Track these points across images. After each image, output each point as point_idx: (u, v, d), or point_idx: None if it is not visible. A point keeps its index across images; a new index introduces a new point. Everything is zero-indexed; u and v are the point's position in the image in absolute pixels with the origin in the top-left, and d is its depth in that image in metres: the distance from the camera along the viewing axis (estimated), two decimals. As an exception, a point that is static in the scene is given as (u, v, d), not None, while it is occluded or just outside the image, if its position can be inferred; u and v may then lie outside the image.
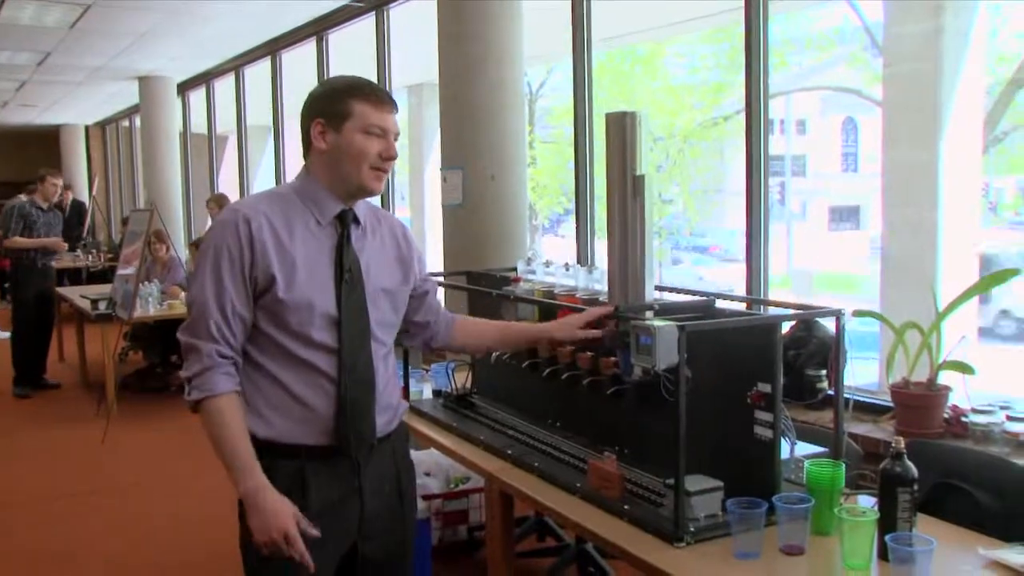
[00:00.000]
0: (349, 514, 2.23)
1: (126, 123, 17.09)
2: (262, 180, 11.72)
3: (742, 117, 4.64)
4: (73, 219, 13.88)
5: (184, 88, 12.83)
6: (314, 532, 2.08)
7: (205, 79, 12.16)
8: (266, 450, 2.12)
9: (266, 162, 11.50)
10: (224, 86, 11.81)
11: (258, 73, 10.55)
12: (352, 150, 2.16)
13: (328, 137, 2.18)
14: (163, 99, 12.30)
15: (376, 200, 2.51)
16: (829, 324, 3.45)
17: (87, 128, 19.14)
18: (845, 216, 22.17)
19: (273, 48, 9.81)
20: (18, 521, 5.10)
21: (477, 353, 3.56)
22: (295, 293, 2.12)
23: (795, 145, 20.23)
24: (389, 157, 2.20)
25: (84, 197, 16.72)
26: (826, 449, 2.58)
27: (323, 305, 2.15)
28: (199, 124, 13.03)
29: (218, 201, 9.26)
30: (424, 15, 5.76)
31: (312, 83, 7.93)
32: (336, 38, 8.65)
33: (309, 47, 8.98)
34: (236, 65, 10.97)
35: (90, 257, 12.94)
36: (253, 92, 11.01)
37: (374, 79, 7.67)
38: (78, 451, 6.54)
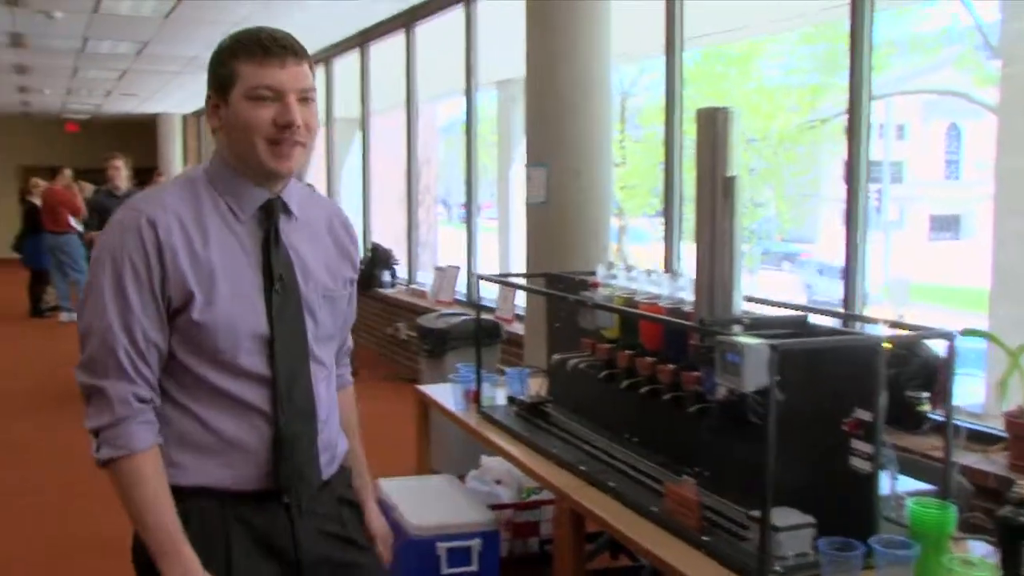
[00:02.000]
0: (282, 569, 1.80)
1: (220, 113, 17.35)
2: (349, 172, 11.73)
3: (839, 121, 4.39)
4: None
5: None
6: None
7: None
8: (177, 495, 1.70)
9: (353, 154, 11.51)
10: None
11: (347, 65, 10.55)
12: (239, 122, 1.70)
13: (221, 111, 1.74)
14: (255, 90, 12.40)
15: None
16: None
17: (184, 118, 19.54)
18: (946, 225, 21.46)
19: (362, 40, 9.79)
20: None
21: None
22: (216, 312, 1.69)
23: (894, 151, 19.62)
24: (287, 123, 1.69)
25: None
26: (933, 486, 2.34)
27: (250, 324, 1.72)
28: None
29: (304, 192, 9.27)
30: (514, 9, 5.62)
31: (400, 77, 7.85)
32: (424, 30, 8.58)
33: (398, 39, 8.93)
34: (326, 57, 11.01)
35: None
36: (342, 85, 11.03)
37: (462, 73, 7.66)
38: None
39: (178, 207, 1.71)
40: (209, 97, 1.76)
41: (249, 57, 1.69)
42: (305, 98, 1.72)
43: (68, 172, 11.99)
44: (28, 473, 5.57)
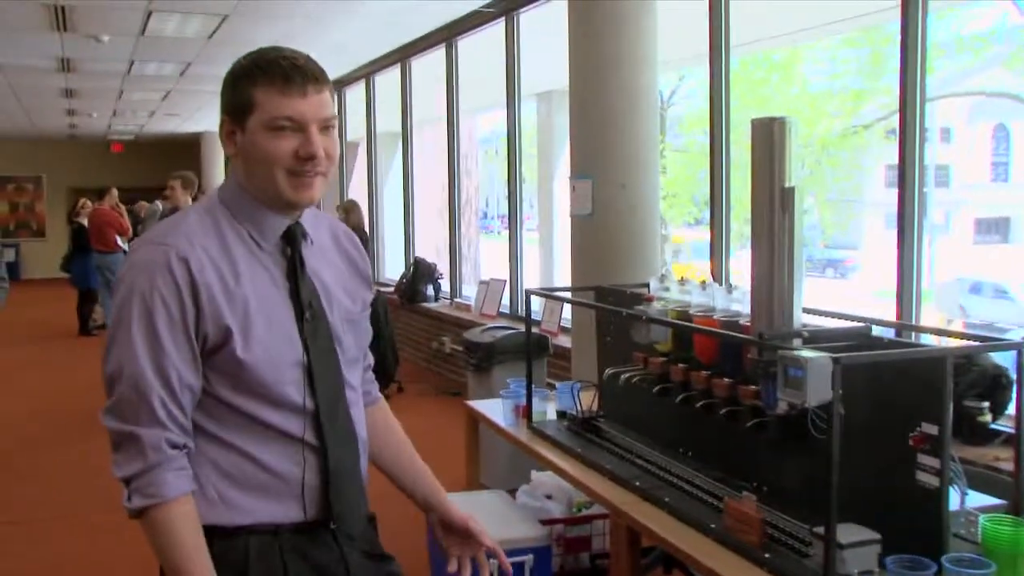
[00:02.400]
0: None
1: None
2: (392, 186, 11.79)
3: (882, 125, 4.33)
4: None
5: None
6: None
7: (337, 87, 12.33)
8: (216, 533, 1.64)
9: (395, 169, 11.56)
10: (355, 93, 11.95)
11: (388, 80, 10.61)
12: (257, 153, 1.63)
13: (237, 137, 1.66)
14: (297, 107, 12.51)
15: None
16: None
17: (227, 136, 19.71)
18: (993, 228, 21.10)
19: (403, 55, 9.84)
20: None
21: None
22: (256, 346, 1.63)
23: (939, 154, 19.36)
24: (309, 156, 1.62)
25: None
26: (1002, 501, 2.28)
27: (290, 355, 1.66)
28: (331, 131, 13.24)
29: (347, 208, 9.32)
30: (554, 20, 5.60)
31: (442, 91, 7.85)
32: (466, 44, 8.59)
33: (438, 54, 8.96)
34: (367, 72, 11.07)
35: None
36: (383, 99, 11.09)
37: (502, 86, 7.66)
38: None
39: (204, 240, 1.64)
40: (224, 122, 1.68)
41: (269, 84, 1.61)
42: (326, 127, 1.65)
43: (114, 192, 12.17)
44: (85, 491, 5.62)
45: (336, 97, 12.43)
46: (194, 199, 8.23)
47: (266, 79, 1.61)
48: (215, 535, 1.62)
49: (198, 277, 1.59)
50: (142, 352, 1.57)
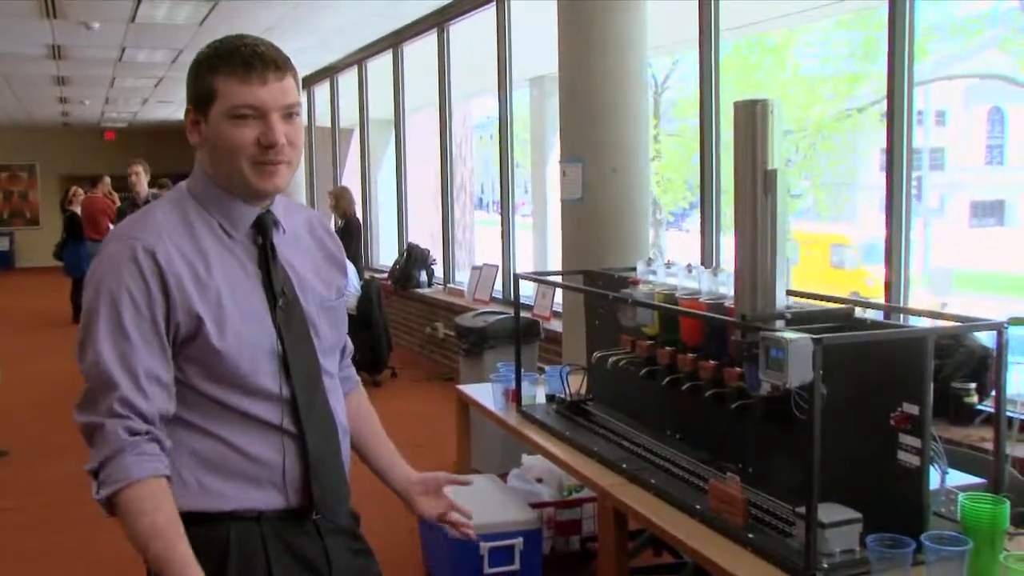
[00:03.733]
0: None
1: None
2: (385, 173, 11.77)
3: (876, 109, 4.33)
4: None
5: (309, 82, 13.01)
6: None
7: (329, 73, 12.30)
8: (197, 520, 1.62)
9: (389, 155, 11.55)
10: (348, 80, 11.92)
11: (381, 67, 10.59)
12: (221, 143, 1.63)
13: (201, 127, 1.66)
14: (288, 93, 12.49)
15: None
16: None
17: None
18: (988, 211, 21.14)
19: (395, 41, 9.81)
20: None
21: None
22: (230, 338, 1.63)
23: (933, 137, 19.35)
24: (270, 144, 1.62)
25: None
26: (983, 480, 2.29)
27: (265, 344, 1.67)
28: (323, 118, 13.22)
29: (339, 194, 9.32)
30: (546, 4, 5.58)
31: (434, 77, 7.82)
32: (457, 29, 8.57)
33: (430, 39, 8.94)
34: (359, 59, 11.04)
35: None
36: (376, 86, 11.06)
37: (494, 71, 7.65)
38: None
39: (172, 232, 1.64)
40: (188, 111, 1.68)
41: (229, 73, 1.60)
42: (289, 114, 1.65)
43: (107, 180, 12.14)
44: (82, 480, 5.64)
45: (301, 84, 12.47)
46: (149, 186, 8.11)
47: (227, 68, 1.61)
48: (195, 521, 1.62)
49: (166, 268, 1.59)
50: (107, 346, 1.58)
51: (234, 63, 1.61)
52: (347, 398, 1.93)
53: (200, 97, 1.64)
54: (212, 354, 1.63)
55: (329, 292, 1.83)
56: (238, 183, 1.66)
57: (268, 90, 1.61)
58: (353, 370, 2.05)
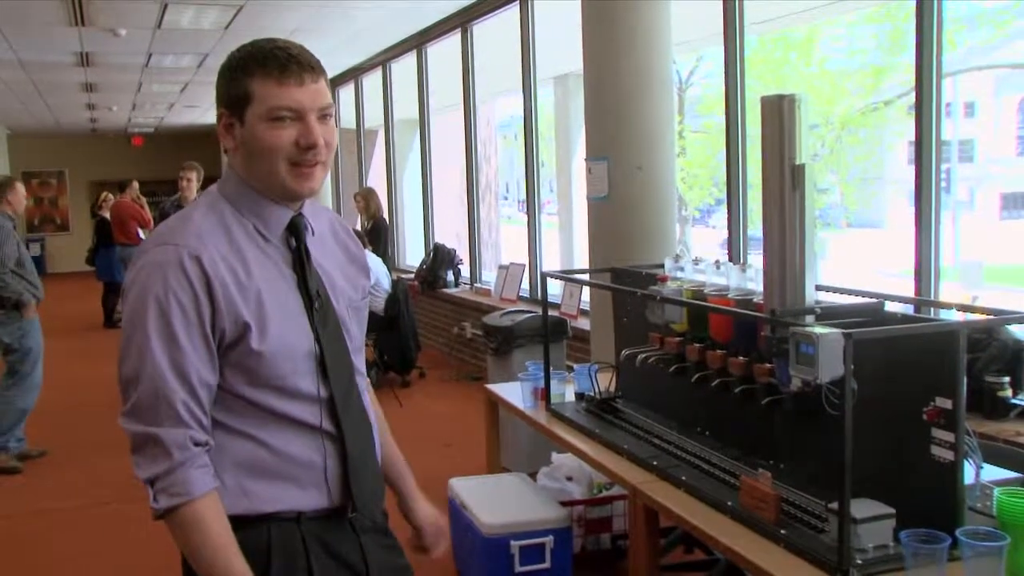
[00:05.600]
0: None
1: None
2: (410, 173, 11.81)
3: (903, 102, 4.29)
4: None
5: (334, 84, 13.06)
6: None
7: (354, 75, 12.35)
8: (239, 523, 1.64)
9: (414, 156, 11.58)
10: (372, 81, 11.96)
11: (406, 68, 10.62)
12: (258, 145, 1.63)
13: (235, 131, 1.66)
14: (314, 95, 12.54)
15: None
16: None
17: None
18: (1020, 203, 20.87)
19: (419, 42, 9.83)
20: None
21: None
22: (272, 340, 1.64)
23: (962, 129, 19.13)
24: (310, 145, 1.63)
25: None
26: (1020, 475, 2.27)
27: (303, 346, 1.68)
28: (348, 119, 13.28)
29: (366, 196, 9.36)
30: (569, 2, 5.58)
31: (458, 76, 7.83)
32: (481, 29, 8.58)
33: (454, 40, 8.95)
34: (383, 60, 11.08)
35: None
36: (400, 87, 11.10)
37: (518, 70, 7.65)
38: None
39: (212, 236, 1.64)
40: (221, 116, 1.67)
41: (265, 76, 1.61)
42: (324, 115, 1.66)
43: (135, 185, 12.26)
44: (115, 481, 5.70)
45: (332, 86, 12.52)
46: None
47: (263, 70, 1.61)
48: (236, 524, 1.63)
49: (212, 274, 1.59)
50: (160, 354, 1.57)
51: (270, 66, 1.61)
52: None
53: (234, 100, 1.64)
54: (253, 357, 1.63)
55: (356, 293, 1.85)
56: (275, 185, 1.67)
57: (305, 91, 1.62)
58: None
